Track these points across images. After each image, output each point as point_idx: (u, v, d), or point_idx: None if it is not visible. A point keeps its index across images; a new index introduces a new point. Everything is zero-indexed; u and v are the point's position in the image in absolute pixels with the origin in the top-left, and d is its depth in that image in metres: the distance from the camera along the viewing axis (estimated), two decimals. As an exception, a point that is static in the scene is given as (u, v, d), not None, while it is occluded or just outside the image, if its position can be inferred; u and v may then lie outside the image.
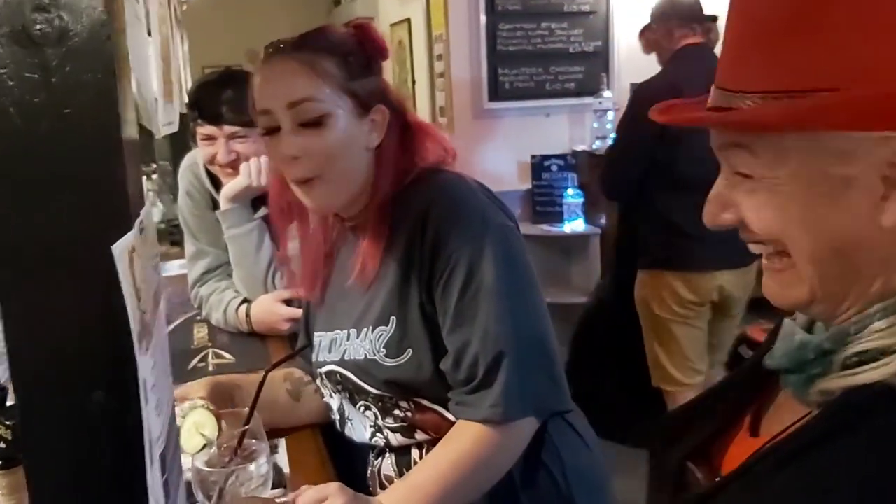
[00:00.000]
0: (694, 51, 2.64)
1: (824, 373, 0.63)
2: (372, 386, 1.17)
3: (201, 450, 0.98)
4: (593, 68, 4.06)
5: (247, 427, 0.97)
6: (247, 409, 0.99)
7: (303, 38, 1.16)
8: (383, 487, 1.23)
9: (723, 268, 2.72)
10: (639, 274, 2.85)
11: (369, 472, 1.31)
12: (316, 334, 1.33)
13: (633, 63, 4.17)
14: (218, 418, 1.09)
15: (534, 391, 1.10)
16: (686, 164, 2.51)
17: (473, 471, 1.07)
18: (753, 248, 0.68)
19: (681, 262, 2.73)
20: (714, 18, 2.70)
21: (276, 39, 1.16)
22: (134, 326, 0.52)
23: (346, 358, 1.19)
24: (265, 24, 5.93)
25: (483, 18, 3.95)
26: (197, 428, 1.04)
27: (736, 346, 3.34)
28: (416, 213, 1.11)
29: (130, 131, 0.55)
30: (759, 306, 3.55)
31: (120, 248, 0.51)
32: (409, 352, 1.12)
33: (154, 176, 3.39)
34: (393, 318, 1.13)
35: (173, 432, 0.64)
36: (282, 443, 1.51)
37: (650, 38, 2.86)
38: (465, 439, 1.07)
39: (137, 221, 0.57)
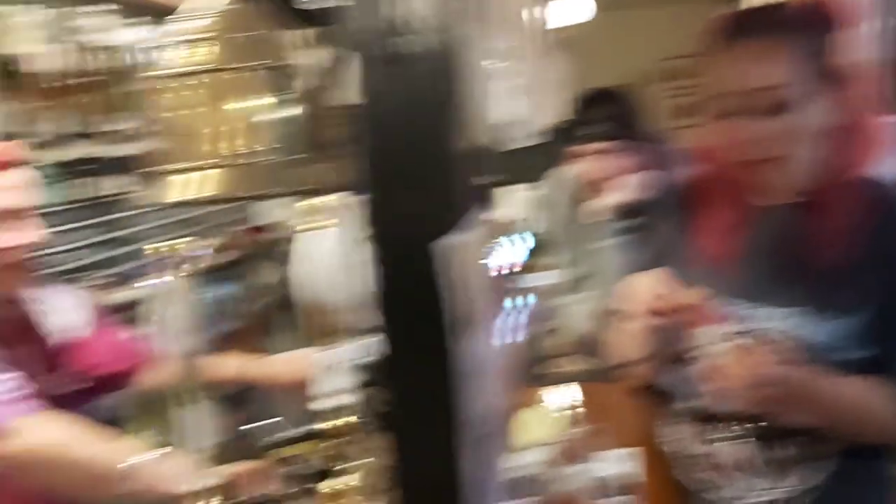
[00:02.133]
0: None
1: None
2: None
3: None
4: None
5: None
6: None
7: (774, 17, 1.19)
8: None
9: None
10: None
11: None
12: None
13: None
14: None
15: None
16: None
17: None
18: None
19: None
20: None
21: (727, 14, 1.19)
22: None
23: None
24: (654, 44, 5.81)
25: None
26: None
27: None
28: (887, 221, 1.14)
29: (462, 141, 0.62)
30: None
31: (444, 245, 0.59)
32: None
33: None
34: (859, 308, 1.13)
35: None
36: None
37: None
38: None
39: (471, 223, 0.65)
